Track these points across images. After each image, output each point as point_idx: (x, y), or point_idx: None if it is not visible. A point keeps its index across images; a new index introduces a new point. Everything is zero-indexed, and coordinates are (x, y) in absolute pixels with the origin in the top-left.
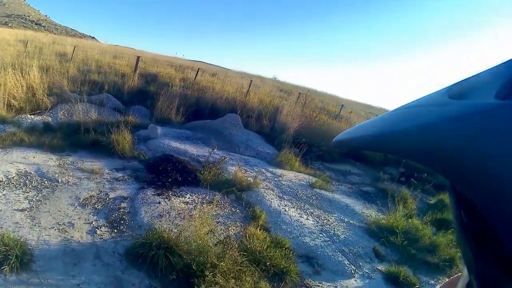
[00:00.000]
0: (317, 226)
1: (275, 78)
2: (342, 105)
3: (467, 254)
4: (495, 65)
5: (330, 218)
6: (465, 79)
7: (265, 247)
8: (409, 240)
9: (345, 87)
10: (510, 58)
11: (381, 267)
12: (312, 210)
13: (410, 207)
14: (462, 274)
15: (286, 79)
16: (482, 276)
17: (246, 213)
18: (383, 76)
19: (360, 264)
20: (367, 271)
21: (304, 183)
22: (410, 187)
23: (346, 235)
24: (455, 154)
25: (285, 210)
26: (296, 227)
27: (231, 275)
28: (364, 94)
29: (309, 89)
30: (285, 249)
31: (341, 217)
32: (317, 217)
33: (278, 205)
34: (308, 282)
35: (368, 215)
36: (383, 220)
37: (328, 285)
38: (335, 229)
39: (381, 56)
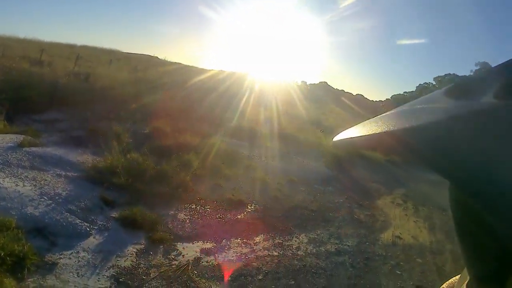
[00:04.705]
0: (36, 190)
1: None
2: (43, 49)
3: (467, 254)
4: (495, 65)
5: (47, 177)
6: (465, 79)
7: None
8: (134, 176)
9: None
10: (510, 58)
11: (115, 213)
12: (26, 174)
13: (125, 142)
14: (462, 274)
15: None
16: (482, 276)
17: None
18: None
19: (93, 218)
20: (102, 223)
21: (12, 144)
22: (120, 122)
23: (68, 191)
24: (454, 154)
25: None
26: (15, 200)
27: None
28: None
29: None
30: (13, 230)
31: (58, 172)
32: (34, 180)
33: None
34: (50, 258)
35: (84, 161)
36: (101, 163)
37: (70, 253)
38: (55, 188)
39: None
